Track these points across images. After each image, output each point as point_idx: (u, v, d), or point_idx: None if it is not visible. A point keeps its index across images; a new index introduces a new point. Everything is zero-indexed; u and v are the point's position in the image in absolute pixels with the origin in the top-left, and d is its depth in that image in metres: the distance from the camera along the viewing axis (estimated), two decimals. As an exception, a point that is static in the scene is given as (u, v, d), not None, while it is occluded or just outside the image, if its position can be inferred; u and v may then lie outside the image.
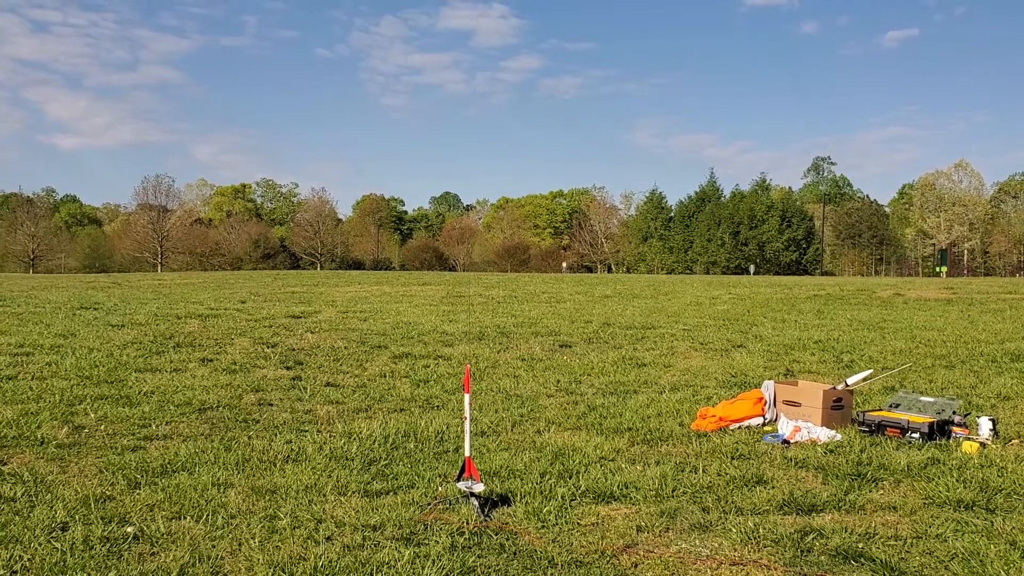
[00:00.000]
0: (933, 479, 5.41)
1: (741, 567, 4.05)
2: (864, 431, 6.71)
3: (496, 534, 4.41)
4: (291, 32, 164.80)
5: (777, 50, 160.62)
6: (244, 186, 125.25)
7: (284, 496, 5.02)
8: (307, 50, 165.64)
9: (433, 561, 4.03)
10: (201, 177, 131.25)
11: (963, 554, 4.16)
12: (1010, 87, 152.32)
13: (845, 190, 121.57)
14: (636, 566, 4.06)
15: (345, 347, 12.01)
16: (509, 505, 4.87)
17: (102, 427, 6.83)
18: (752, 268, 79.55)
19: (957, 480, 5.36)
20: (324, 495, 5.05)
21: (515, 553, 4.18)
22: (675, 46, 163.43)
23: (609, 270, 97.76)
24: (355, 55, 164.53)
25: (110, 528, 4.42)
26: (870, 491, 5.22)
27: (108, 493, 5.05)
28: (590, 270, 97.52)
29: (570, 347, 12.51)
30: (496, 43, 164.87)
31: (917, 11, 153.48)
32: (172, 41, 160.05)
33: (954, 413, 6.71)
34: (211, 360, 10.64)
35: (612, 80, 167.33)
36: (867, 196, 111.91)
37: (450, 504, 4.83)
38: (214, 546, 4.22)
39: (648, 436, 6.66)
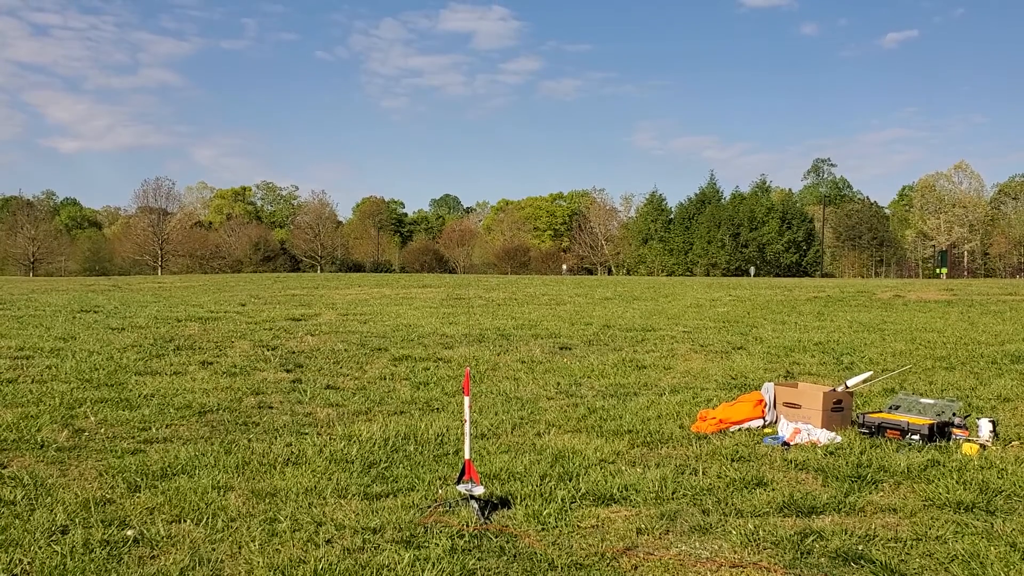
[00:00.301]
0: (933, 481, 5.41)
1: (741, 569, 4.05)
2: (864, 433, 6.71)
3: (496, 537, 4.41)
4: (291, 35, 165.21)
5: (777, 52, 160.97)
6: (244, 189, 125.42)
7: (284, 499, 5.02)
8: (307, 53, 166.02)
9: (433, 564, 4.03)
10: (201, 180, 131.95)
11: (963, 556, 4.16)
12: (1009, 89, 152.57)
13: (845, 192, 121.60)
14: (636, 568, 4.06)
15: (345, 349, 12.02)
16: (509, 508, 4.87)
17: (102, 430, 6.83)
18: (752, 270, 79.53)
19: (957, 482, 5.36)
20: (324, 498, 5.05)
21: (515, 556, 4.18)
22: (674, 48, 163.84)
23: (609, 272, 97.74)
24: (355, 58, 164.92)
25: (110, 531, 4.42)
26: (870, 493, 5.22)
27: (108, 496, 5.05)
28: (590, 272, 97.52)
29: (570, 349, 12.51)
30: (496, 45, 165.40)
31: (916, 13, 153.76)
32: (172, 44, 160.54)
33: (954, 415, 6.71)
34: (211, 363, 10.64)
35: (611, 82, 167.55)
36: (867, 198, 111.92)
37: (450, 507, 4.83)
38: (214, 549, 4.22)
39: (648, 438, 6.66)
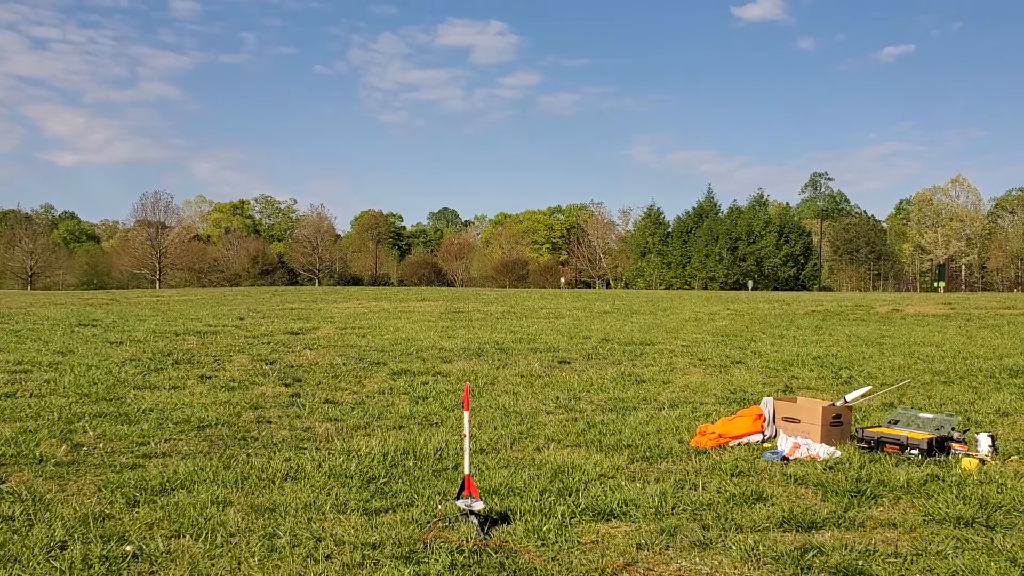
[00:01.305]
0: (932, 496, 5.42)
1: (741, 585, 4.04)
2: (863, 448, 6.71)
3: (496, 552, 4.41)
4: (289, 49, 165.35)
5: (774, 66, 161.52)
6: (242, 202, 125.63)
7: (283, 514, 5.01)
8: (306, 67, 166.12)
9: (433, 580, 4.02)
10: (200, 194, 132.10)
11: (963, 571, 4.16)
12: (1007, 103, 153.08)
13: (843, 206, 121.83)
14: (636, 584, 4.05)
15: (343, 364, 12.01)
16: (509, 523, 4.87)
17: (101, 445, 6.82)
18: (750, 284, 79.62)
19: (957, 497, 5.36)
20: (323, 513, 5.04)
21: (515, 571, 4.17)
22: (673, 62, 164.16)
23: (607, 286, 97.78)
24: (353, 72, 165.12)
25: (109, 547, 4.41)
26: (870, 508, 5.22)
27: (107, 511, 5.04)
28: (588, 285, 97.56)
29: (569, 363, 12.51)
30: (494, 60, 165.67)
31: (914, 27, 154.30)
32: (171, 58, 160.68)
33: (953, 429, 6.71)
34: (209, 377, 10.63)
35: (610, 96, 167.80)
36: (865, 212, 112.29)
37: (450, 522, 4.82)
38: (213, 565, 4.21)
39: (647, 453, 6.66)
